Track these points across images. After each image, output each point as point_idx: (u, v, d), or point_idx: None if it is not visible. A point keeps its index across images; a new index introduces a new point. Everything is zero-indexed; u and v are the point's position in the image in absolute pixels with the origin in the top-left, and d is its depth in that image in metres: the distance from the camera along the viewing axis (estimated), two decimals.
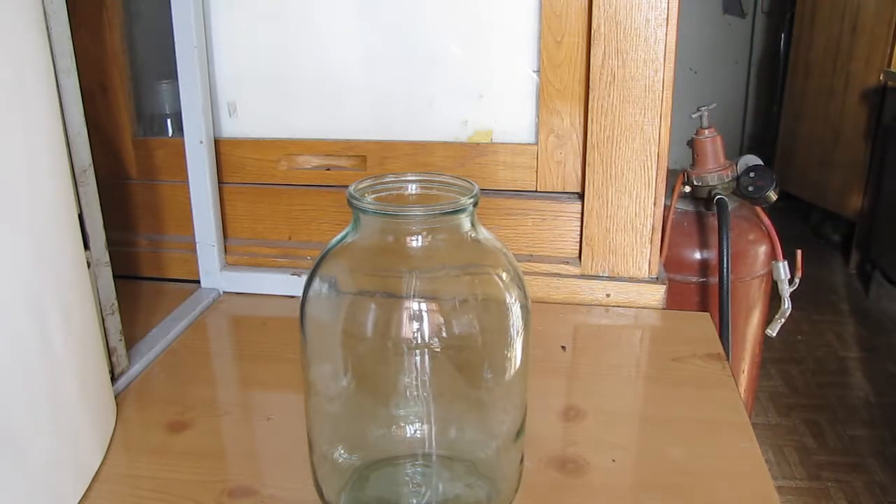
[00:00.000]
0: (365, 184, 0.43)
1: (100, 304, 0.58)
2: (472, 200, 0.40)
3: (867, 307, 2.48)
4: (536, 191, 0.76)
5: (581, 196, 0.74)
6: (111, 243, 0.59)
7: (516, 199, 0.75)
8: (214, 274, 0.78)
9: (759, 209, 1.02)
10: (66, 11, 0.52)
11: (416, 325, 0.39)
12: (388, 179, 0.44)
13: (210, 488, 0.49)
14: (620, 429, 0.55)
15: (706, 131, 0.97)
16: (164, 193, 0.82)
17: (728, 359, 0.65)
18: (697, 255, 1.00)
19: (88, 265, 0.55)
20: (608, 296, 0.73)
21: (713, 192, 0.96)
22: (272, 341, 0.69)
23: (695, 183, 0.97)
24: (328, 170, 0.79)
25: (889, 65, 2.55)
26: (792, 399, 1.96)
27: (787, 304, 0.99)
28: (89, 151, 0.56)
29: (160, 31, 0.74)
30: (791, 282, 0.99)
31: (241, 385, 0.64)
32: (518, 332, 0.42)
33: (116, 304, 0.60)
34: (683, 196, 1.01)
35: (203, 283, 0.79)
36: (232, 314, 0.76)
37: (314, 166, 0.79)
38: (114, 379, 0.60)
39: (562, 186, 0.75)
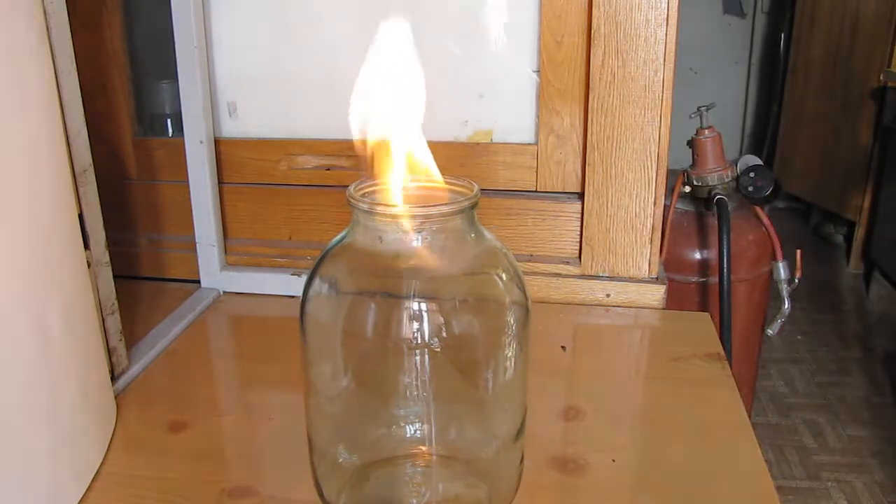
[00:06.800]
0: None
1: (100, 304, 0.58)
2: (472, 201, 0.40)
3: (867, 307, 2.48)
4: (536, 191, 0.76)
5: (581, 196, 0.74)
6: (111, 243, 0.59)
7: (516, 199, 0.75)
8: (214, 274, 0.78)
9: (759, 209, 1.02)
10: (66, 11, 0.52)
11: (415, 325, 0.39)
12: None
13: (210, 488, 0.48)
14: (620, 429, 0.55)
15: (706, 131, 0.97)
16: (164, 193, 0.82)
17: (728, 359, 0.65)
18: (697, 255, 1.00)
19: (88, 265, 0.55)
20: (608, 296, 0.73)
21: (713, 192, 0.96)
22: (272, 341, 0.69)
23: (695, 183, 0.97)
24: (328, 170, 0.79)
25: (889, 65, 2.54)
26: (792, 399, 1.96)
27: (787, 304, 0.99)
28: (89, 151, 0.56)
29: (160, 31, 0.74)
30: (791, 282, 0.99)
31: (241, 385, 0.64)
32: (518, 333, 0.42)
33: (116, 304, 0.60)
34: (683, 196, 1.02)
35: (203, 283, 0.79)
36: (232, 314, 0.76)
37: (314, 166, 0.79)
38: (114, 379, 0.60)
39: (562, 186, 0.75)
